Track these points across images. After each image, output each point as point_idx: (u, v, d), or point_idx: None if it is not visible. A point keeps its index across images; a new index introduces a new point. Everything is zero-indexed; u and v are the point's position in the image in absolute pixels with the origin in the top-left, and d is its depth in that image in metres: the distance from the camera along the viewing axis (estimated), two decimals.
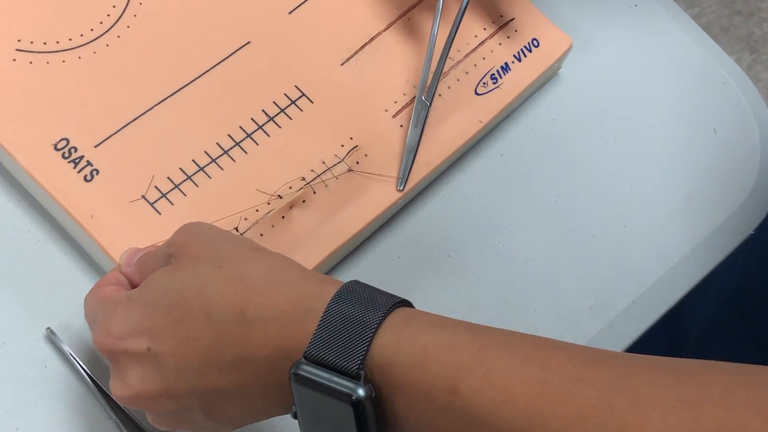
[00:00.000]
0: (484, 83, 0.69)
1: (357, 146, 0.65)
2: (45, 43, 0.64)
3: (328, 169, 0.64)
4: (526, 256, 0.68)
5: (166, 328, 0.49)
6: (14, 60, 0.63)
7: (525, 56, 0.70)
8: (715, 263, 0.70)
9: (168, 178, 0.62)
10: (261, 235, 0.61)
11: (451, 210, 0.68)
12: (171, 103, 0.64)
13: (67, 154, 0.61)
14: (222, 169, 0.63)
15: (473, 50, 0.69)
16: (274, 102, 0.65)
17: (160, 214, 0.61)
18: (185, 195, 0.62)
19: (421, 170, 0.65)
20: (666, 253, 0.69)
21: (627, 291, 0.68)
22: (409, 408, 0.45)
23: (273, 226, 0.62)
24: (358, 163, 0.65)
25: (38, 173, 0.60)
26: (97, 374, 0.59)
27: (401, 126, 0.66)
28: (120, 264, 0.56)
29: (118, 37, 0.65)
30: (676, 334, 0.94)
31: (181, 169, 0.62)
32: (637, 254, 0.69)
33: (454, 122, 0.67)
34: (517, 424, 0.42)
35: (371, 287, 0.47)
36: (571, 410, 0.41)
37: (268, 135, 0.64)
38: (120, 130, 0.63)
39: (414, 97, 0.67)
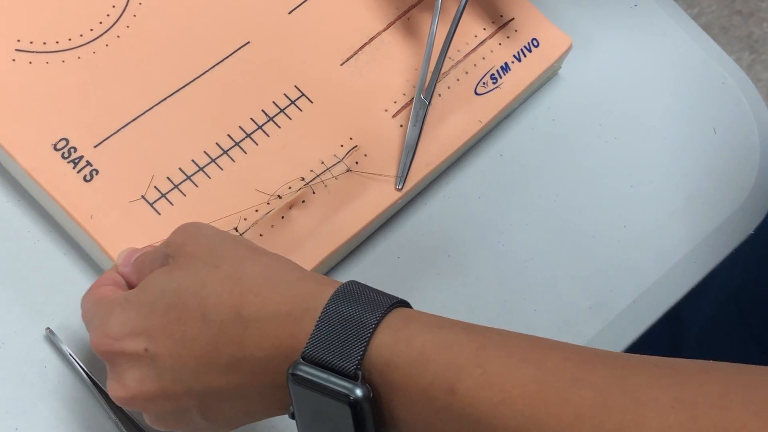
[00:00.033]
0: (484, 83, 0.69)
1: (356, 146, 0.65)
2: (45, 43, 0.64)
3: (328, 169, 0.64)
4: (525, 256, 0.68)
5: (163, 329, 0.49)
6: (14, 60, 0.63)
7: (525, 56, 0.70)
8: (715, 263, 0.70)
9: (167, 178, 0.62)
10: (260, 235, 0.61)
11: (450, 210, 0.68)
12: (170, 103, 0.64)
13: (66, 154, 0.61)
14: (221, 169, 0.63)
15: (473, 50, 0.69)
16: (273, 102, 0.65)
17: (159, 214, 0.61)
18: (185, 195, 0.62)
19: (420, 170, 0.65)
20: (666, 253, 0.69)
21: (627, 291, 0.68)
22: (407, 408, 0.45)
23: (272, 226, 0.62)
24: (357, 163, 0.65)
25: (38, 173, 0.60)
26: (96, 374, 0.59)
27: (401, 126, 0.66)
28: (117, 264, 0.56)
29: (118, 37, 0.65)
30: (676, 334, 0.94)
31: (180, 169, 0.62)
32: (637, 254, 0.69)
33: (453, 122, 0.67)
34: (514, 424, 0.42)
35: (369, 287, 0.47)
36: (568, 410, 0.41)
37: (268, 135, 0.64)
38: (119, 130, 0.63)
39: (413, 97, 0.67)
